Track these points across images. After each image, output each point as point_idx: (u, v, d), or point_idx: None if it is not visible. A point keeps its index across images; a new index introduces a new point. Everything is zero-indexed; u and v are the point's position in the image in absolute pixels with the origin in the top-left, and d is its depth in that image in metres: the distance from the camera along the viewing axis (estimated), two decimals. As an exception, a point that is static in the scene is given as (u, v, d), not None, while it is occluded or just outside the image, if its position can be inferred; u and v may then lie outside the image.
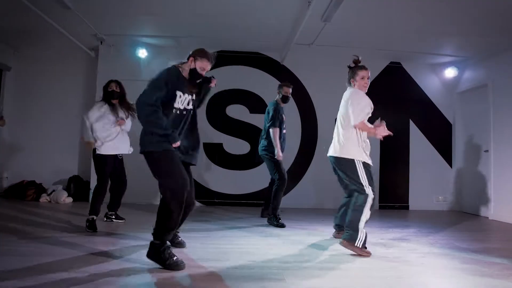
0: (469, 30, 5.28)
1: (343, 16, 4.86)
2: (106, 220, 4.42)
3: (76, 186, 6.28)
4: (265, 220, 4.81)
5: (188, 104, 2.95)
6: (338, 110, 3.70)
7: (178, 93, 2.84)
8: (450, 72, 6.67)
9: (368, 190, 3.30)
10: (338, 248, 3.42)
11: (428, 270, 2.88)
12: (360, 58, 3.58)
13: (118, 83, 4.42)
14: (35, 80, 6.70)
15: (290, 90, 4.98)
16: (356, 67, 3.55)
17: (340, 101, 3.70)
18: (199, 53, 2.96)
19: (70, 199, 6.08)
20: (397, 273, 2.77)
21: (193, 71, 2.95)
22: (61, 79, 6.75)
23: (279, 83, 6.53)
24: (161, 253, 2.69)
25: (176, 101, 2.84)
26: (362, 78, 3.51)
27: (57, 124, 6.65)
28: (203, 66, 2.96)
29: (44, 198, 5.99)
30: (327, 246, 3.56)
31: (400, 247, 3.60)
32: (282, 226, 4.54)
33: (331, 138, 5.70)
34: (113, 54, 6.51)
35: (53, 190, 6.09)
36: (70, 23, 5.47)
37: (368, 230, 4.37)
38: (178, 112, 2.88)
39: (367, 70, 3.53)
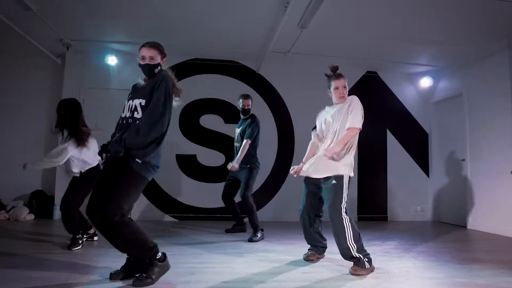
0: (444, 40, 5.30)
1: (320, 23, 4.78)
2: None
3: (38, 202, 5.86)
4: (239, 235, 4.65)
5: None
6: (317, 121, 3.52)
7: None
8: (425, 82, 6.68)
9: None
10: (317, 265, 3.22)
11: (415, 285, 2.70)
12: (334, 66, 3.36)
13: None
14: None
15: (249, 102, 4.83)
16: (330, 77, 3.33)
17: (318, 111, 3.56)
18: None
19: (31, 216, 5.65)
20: (381, 290, 2.58)
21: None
22: (24, 87, 6.34)
23: (255, 92, 6.44)
24: None
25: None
26: (336, 88, 3.26)
27: (19, 135, 6.23)
28: (143, 55, 2.79)
29: (2, 215, 5.54)
30: (306, 263, 3.35)
31: (383, 262, 3.42)
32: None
33: (306, 147, 5.45)
34: (80, 61, 6.18)
35: (13, 207, 5.66)
36: (32, 27, 5.14)
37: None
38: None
39: (340, 79, 3.26)
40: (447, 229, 5.72)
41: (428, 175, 6.82)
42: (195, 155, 6.27)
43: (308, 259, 3.43)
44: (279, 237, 4.67)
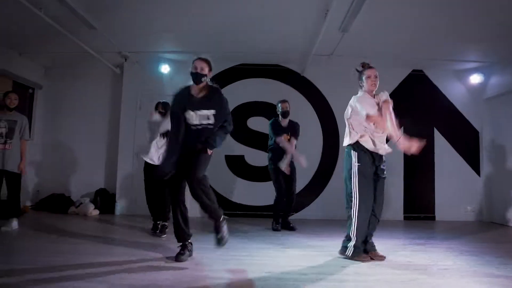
0: (494, 34, 5.12)
1: (361, 25, 4.84)
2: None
3: (102, 199, 6.47)
4: (287, 231, 5.01)
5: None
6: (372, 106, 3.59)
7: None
8: (475, 79, 6.51)
9: None
10: (357, 262, 3.37)
11: (451, 284, 2.79)
12: (365, 62, 3.68)
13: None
14: (64, 97, 6.97)
15: (286, 105, 5.30)
16: (362, 69, 3.64)
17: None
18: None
19: (96, 212, 6.27)
20: (418, 286, 2.70)
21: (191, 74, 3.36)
22: (89, 96, 7.00)
23: (300, 94, 6.64)
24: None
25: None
26: (368, 77, 3.56)
27: (85, 138, 6.89)
28: (196, 65, 3.36)
29: (71, 211, 6.20)
30: (344, 258, 3.51)
31: (422, 259, 3.50)
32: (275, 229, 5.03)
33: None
34: (137, 71, 6.72)
35: (81, 203, 6.30)
36: (96, 42, 5.70)
37: (389, 241, 4.35)
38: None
39: (372, 69, 3.58)
40: (497, 230, 5.57)
41: (479, 174, 6.63)
42: (243, 156, 6.59)
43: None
44: (321, 234, 4.84)
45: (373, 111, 3.43)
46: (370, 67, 3.59)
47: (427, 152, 6.64)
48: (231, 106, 5.43)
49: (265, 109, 6.64)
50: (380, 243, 4.20)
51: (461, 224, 6.05)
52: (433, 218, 6.52)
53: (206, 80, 3.35)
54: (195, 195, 3.16)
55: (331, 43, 5.55)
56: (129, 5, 4.63)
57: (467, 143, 6.69)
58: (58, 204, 6.38)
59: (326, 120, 6.68)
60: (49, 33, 5.23)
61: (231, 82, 6.71)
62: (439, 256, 3.64)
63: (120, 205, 6.43)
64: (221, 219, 3.26)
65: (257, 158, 6.53)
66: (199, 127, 3.24)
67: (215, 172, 6.56)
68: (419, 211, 6.53)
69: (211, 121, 3.26)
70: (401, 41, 5.56)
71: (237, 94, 6.63)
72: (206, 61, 3.37)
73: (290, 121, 5.33)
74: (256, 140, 6.56)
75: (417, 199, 6.58)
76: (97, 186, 6.73)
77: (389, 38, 5.44)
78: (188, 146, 3.22)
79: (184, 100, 3.31)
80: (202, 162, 3.23)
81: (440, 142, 6.66)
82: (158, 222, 4.64)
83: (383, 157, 3.58)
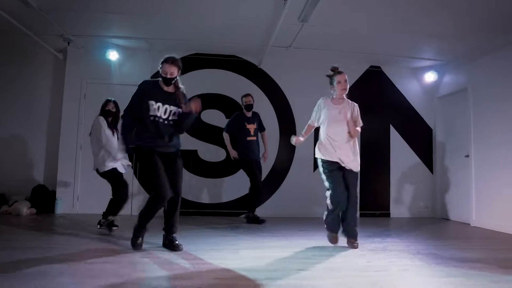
0: (449, 33, 5.18)
1: (321, 16, 4.70)
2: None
3: (40, 196, 5.88)
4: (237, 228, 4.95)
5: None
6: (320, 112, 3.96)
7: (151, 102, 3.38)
8: (430, 76, 6.59)
9: None
10: (312, 261, 3.18)
11: (412, 284, 2.65)
12: (337, 66, 3.85)
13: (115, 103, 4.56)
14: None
15: (250, 98, 5.56)
16: (332, 74, 3.84)
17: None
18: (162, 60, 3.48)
19: (33, 210, 5.68)
20: (377, 289, 2.53)
21: (161, 77, 3.46)
22: (27, 83, 6.35)
23: (256, 87, 6.40)
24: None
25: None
26: (339, 82, 3.78)
27: (22, 130, 6.25)
28: (166, 70, 3.42)
29: (3, 210, 5.58)
30: (301, 259, 3.31)
31: (381, 259, 3.37)
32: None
33: (308, 143, 5.55)
34: (82, 56, 6.18)
35: (15, 201, 5.68)
36: (34, 23, 5.13)
37: (346, 239, 4.22)
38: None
39: (342, 74, 3.78)
40: (450, 226, 5.65)
41: (432, 171, 6.73)
42: (196, 150, 6.25)
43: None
44: (278, 233, 4.64)
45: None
46: (340, 72, 3.79)
47: (383, 149, 6.66)
48: (187, 97, 5.16)
49: (220, 101, 6.33)
50: (339, 241, 4.08)
51: (415, 221, 6.10)
52: (388, 215, 6.53)
53: (176, 81, 3.52)
54: (175, 208, 3.53)
55: (289, 34, 5.35)
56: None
57: (421, 140, 6.77)
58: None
59: (283, 114, 6.49)
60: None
61: (185, 72, 6.26)
62: (398, 256, 3.52)
63: (60, 203, 5.88)
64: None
65: (211, 153, 6.23)
66: (170, 122, 3.46)
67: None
68: (375, 208, 6.53)
69: (176, 117, 3.50)
70: (360, 35, 5.48)
71: (191, 85, 6.21)
72: (176, 65, 3.47)
73: (253, 113, 5.63)
74: (210, 134, 6.24)
75: (373, 196, 6.57)
76: (35, 182, 6.13)
77: (348, 31, 5.33)
78: (162, 144, 3.45)
79: (155, 91, 3.44)
80: (181, 175, 3.60)
81: (396, 139, 6.70)
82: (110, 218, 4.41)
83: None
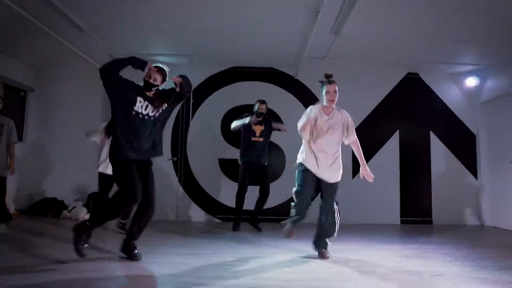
0: (489, 37, 5.08)
1: (354, 28, 4.80)
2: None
3: (94, 202, 6.38)
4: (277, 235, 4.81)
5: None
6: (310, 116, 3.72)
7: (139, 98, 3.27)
8: (471, 82, 6.44)
9: None
10: (348, 267, 3.30)
11: (442, 289, 2.71)
12: (329, 73, 3.78)
13: None
14: (56, 100, 6.87)
15: (264, 106, 5.40)
16: (323, 82, 3.76)
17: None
18: None
19: (89, 215, 6.17)
20: (407, 292, 2.62)
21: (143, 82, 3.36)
22: (81, 98, 6.91)
23: (294, 97, 6.58)
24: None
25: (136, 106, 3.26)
26: (327, 92, 3.71)
27: (77, 142, 6.79)
28: (150, 74, 3.35)
29: (64, 215, 6.12)
30: (336, 264, 3.43)
31: (415, 265, 3.42)
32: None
33: (346, 152, 5.69)
34: (126, 73, 6.63)
35: (73, 207, 6.22)
36: (85, 44, 5.64)
37: (383, 246, 4.29)
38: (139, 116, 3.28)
39: (332, 84, 3.71)
40: (495, 234, 5.49)
41: (476, 177, 6.55)
42: (236, 159, 6.50)
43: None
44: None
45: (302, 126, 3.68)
46: (331, 82, 3.71)
47: (424, 155, 6.59)
48: (224, 111, 5.47)
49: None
50: (374, 248, 4.16)
51: (459, 228, 5.96)
52: (431, 222, 6.43)
53: (156, 89, 3.40)
54: (148, 218, 3.45)
55: (323, 46, 5.50)
56: (115, 4, 4.55)
57: (463, 146, 6.62)
58: (50, 208, 6.29)
59: (321, 124, 6.60)
60: (38, 35, 5.18)
61: (224, 85, 6.67)
62: (433, 262, 3.55)
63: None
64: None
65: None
66: (150, 118, 3.32)
67: (209, 176, 6.53)
68: (416, 215, 6.45)
69: (157, 113, 3.37)
70: (395, 44, 5.51)
71: (230, 97, 6.57)
72: (162, 73, 3.38)
73: (264, 117, 5.48)
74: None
75: (414, 203, 6.49)
76: (90, 189, 6.64)
77: (382, 40, 5.39)
78: (141, 142, 3.31)
79: (138, 89, 3.35)
80: (153, 186, 3.47)
81: (437, 145, 6.59)
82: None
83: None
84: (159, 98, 3.39)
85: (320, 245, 3.71)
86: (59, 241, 4.20)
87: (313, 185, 3.68)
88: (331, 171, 3.67)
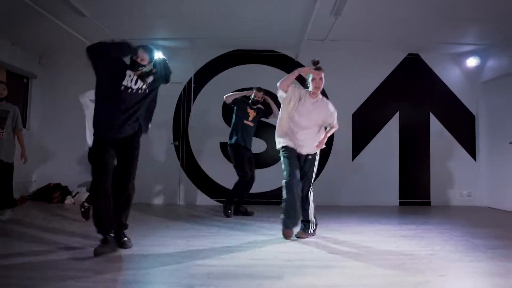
0: (491, 15, 5.00)
1: (354, 8, 4.76)
2: None
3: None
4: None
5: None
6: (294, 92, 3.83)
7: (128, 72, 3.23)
8: (472, 62, 6.41)
9: None
10: (346, 248, 3.39)
11: (435, 268, 2.79)
12: (316, 60, 3.86)
13: None
14: (59, 86, 6.91)
15: (260, 94, 5.46)
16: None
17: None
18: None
19: (93, 200, 6.30)
20: (401, 271, 2.70)
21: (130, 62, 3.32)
22: (83, 84, 6.85)
23: (295, 80, 6.55)
24: None
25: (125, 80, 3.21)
26: (313, 79, 3.79)
27: (81, 127, 6.86)
28: (139, 55, 3.29)
29: (68, 200, 6.24)
30: (334, 244, 3.52)
31: (411, 245, 3.51)
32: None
33: (346, 134, 5.78)
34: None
35: (77, 193, 6.33)
36: (88, 30, 5.65)
37: (381, 227, 4.38)
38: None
39: (320, 71, 3.79)
40: (492, 215, 5.57)
41: (475, 158, 6.59)
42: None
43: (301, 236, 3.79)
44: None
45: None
46: (318, 69, 3.78)
47: (423, 137, 6.62)
48: (225, 94, 5.48)
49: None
50: (373, 229, 4.26)
51: (457, 209, 6.05)
52: (429, 203, 6.51)
53: (142, 69, 3.31)
54: (122, 202, 3.29)
55: (324, 28, 5.48)
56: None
57: (463, 127, 6.64)
58: (55, 193, 6.40)
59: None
60: (40, 21, 5.20)
61: (225, 69, 6.68)
62: (429, 242, 3.64)
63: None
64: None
65: (254, 144, 6.51)
66: (138, 91, 3.29)
67: (210, 160, 6.61)
68: (415, 196, 6.53)
69: (146, 86, 3.34)
70: (396, 24, 5.47)
71: (232, 80, 6.58)
72: (149, 55, 3.35)
73: (258, 107, 5.54)
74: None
75: (413, 184, 6.57)
76: (94, 175, 6.74)
77: (383, 21, 5.35)
78: (116, 126, 3.23)
79: (125, 64, 3.32)
80: (130, 168, 3.32)
81: (436, 127, 6.62)
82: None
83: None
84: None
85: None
86: (64, 226, 4.30)
87: (298, 164, 3.83)
88: (309, 144, 3.80)
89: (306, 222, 3.85)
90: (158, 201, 6.45)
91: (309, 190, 3.91)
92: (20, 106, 5.85)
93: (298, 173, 3.77)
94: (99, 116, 3.27)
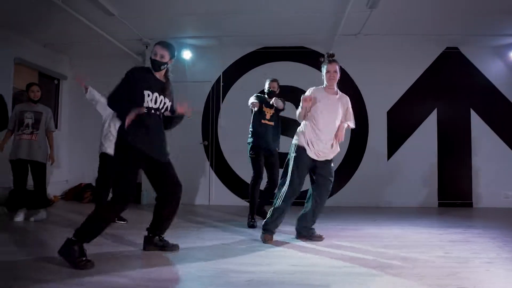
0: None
1: (390, 0, 4.54)
2: None
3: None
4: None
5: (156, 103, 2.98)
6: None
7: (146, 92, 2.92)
8: (516, 54, 6.03)
9: None
10: (390, 254, 3.18)
11: (496, 278, 2.55)
12: (331, 53, 3.68)
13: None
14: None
15: (275, 84, 4.86)
16: (323, 62, 3.66)
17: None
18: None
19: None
20: (458, 281, 2.47)
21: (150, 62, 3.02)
22: (113, 85, 6.94)
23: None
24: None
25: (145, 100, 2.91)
26: (327, 71, 3.59)
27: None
28: (156, 51, 2.98)
29: (99, 200, 6.24)
30: (377, 249, 3.31)
31: (462, 251, 3.25)
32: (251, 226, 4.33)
33: (381, 132, 5.48)
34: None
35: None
36: (116, 30, 5.63)
37: (425, 230, 4.13)
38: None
39: (332, 64, 3.58)
40: (543, 217, 5.20)
41: (521, 157, 6.20)
42: (268, 143, 6.41)
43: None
44: (349, 223, 4.64)
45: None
46: (331, 62, 3.59)
47: (464, 135, 6.29)
48: (254, 92, 5.33)
49: (292, 93, 6.40)
50: (415, 232, 4.03)
51: (501, 212, 5.67)
52: (470, 205, 6.16)
53: (166, 68, 3.06)
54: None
55: (358, 21, 5.27)
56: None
57: (507, 124, 6.25)
58: (86, 193, 6.44)
59: (354, 103, 6.36)
60: (69, 23, 5.22)
61: (254, 67, 6.54)
62: (481, 248, 3.37)
63: (146, 194, 6.41)
64: None
65: (283, 145, 6.33)
66: (158, 112, 3.01)
67: (241, 160, 6.46)
68: (455, 198, 6.19)
69: (168, 111, 3.09)
70: (434, 17, 5.20)
71: (260, 78, 6.38)
72: (168, 48, 3.02)
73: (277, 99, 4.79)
74: (283, 126, 6.31)
75: (453, 185, 6.23)
76: (123, 175, 6.73)
77: (420, 14, 5.09)
78: (157, 148, 2.98)
79: (148, 77, 2.99)
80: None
81: (477, 124, 6.25)
82: None
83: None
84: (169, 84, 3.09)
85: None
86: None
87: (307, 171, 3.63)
88: (330, 152, 3.63)
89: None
90: (188, 201, 6.36)
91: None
92: (51, 107, 5.89)
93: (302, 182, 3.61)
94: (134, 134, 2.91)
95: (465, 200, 6.18)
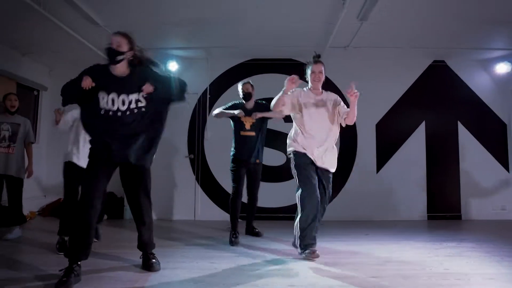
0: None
1: (381, 14, 4.51)
2: None
3: (110, 203, 6.21)
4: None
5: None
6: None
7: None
8: (502, 68, 6.07)
9: None
10: (390, 271, 3.05)
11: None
12: (317, 54, 3.65)
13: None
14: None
15: (248, 86, 4.61)
16: (308, 63, 3.64)
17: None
18: None
19: (104, 216, 6.00)
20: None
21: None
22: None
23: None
24: None
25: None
26: (312, 72, 3.57)
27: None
28: (111, 40, 2.80)
29: (79, 216, 5.96)
30: (374, 266, 3.18)
31: (461, 266, 3.15)
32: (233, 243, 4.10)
33: (370, 145, 5.36)
34: (143, 69, 6.45)
35: (88, 208, 6.04)
36: (100, 40, 5.43)
37: (420, 244, 4.03)
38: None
39: (317, 64, 3.57)
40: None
41: (508, 169, 6.21)
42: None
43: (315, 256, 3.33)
44: (342, 236, 4.51)
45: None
46: (317, 62, 3.56)
47: (451, 147, 6.28)
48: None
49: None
50: (410, 247, 3.92)
51: (491, 224, 5.64)
52: (459, 217, 6.12)
53: (124, 58, 2.82)
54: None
55: (348, 34, 5.21)
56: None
57: (494, 136, 6.28)
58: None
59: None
60: (51, 32, 5.01)
61: (242, 79, 6.38)
62: (478, 262, 3.28)
63: (129, 209, 6.15)
64: None
65: (271, 157, 6.21)
66: (128, 112, 2.77)
67: (226, 174, 6.29)
68: (444, 210, 6.14)
69: (143, 103, 2.84)
70: (422, 30, 5.18)
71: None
72: (125, 36, 2.83)
73: (257, 103, 4.62)
74: (271, 139, 6.19)
75: (442, 197, 6.18)
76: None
77: (408, 27, 5.06)
78: (114, 139, 2.76)
79: (104, 77, 2.76)
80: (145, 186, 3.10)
81: (465, 136, 6.26)
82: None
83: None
84: (137, 75, 2.82)
85: None
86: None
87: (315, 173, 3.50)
88: (329, 159, 3.55)
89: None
90: (173, 216, 6.14)
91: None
92: (30, 119, 5.64)
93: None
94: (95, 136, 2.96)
95: (454, 212, 6.14)
